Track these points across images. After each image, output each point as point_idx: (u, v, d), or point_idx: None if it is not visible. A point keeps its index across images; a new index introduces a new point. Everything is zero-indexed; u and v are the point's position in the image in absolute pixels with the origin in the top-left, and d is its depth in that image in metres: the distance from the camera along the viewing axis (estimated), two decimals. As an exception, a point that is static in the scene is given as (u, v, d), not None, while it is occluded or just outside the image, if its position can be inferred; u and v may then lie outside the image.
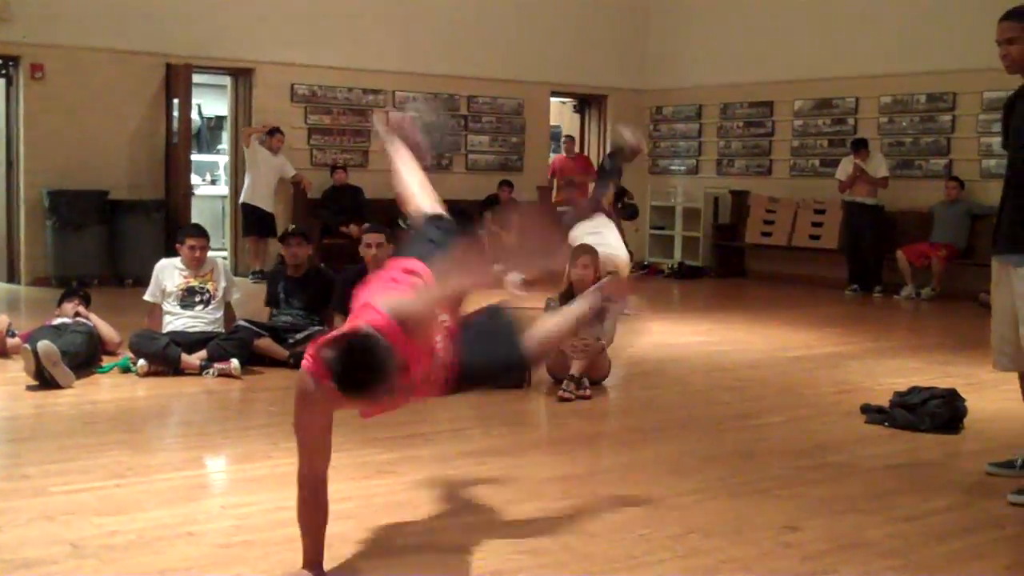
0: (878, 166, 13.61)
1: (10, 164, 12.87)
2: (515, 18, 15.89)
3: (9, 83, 12.81)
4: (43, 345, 6.80)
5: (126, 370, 7.40)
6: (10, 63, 12.71)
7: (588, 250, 7.61)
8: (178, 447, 5.77)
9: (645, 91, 17.07)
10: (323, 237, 13.63)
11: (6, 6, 12.24)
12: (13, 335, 7.78)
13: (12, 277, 12.87)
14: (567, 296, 7.33)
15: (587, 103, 17.39)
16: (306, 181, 13.83)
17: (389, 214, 13.70)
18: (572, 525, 4.42)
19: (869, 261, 13.61)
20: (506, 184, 15.13)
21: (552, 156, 16.89)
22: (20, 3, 12.37)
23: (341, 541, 4.12)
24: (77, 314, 7.89)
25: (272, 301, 8.31)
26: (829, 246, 14.42)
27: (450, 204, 15.37)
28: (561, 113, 18.04)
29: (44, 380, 6.80)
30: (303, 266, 8.22)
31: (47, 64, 12.59)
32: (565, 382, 6.88)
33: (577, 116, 17.62)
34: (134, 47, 13.01)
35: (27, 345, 6.91)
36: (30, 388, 6.79)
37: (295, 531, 4.18)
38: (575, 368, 6.91)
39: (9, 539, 4.09)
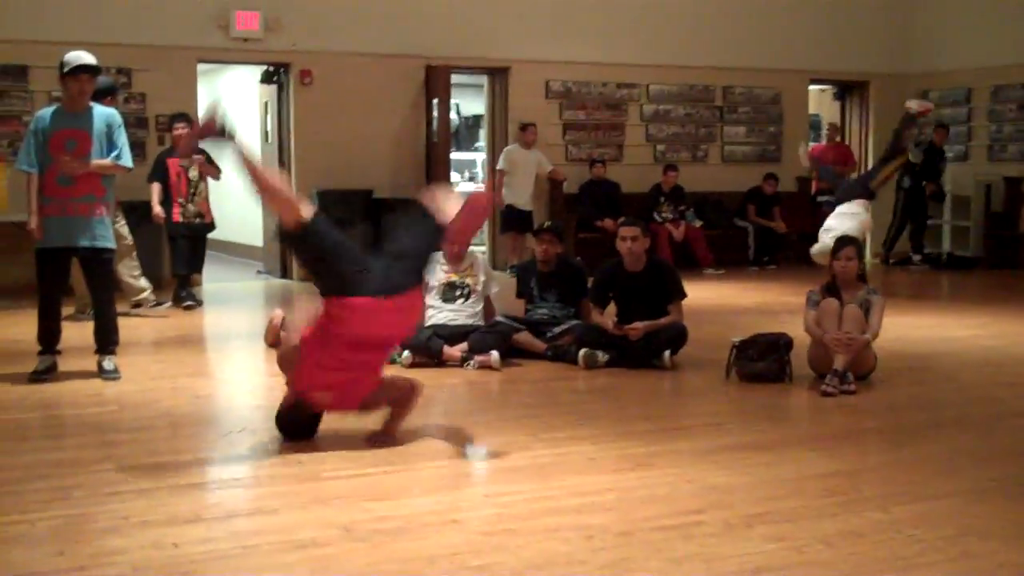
0: None
1: (282, 165, 13.53)
2: (771, 4, 15.56)
3: (280, 89, 13.48)
4: None
5: (392, 361, 7.63)
6: (281, 70, 13.36)
7: (851, 242, 7.38)
8: (441, 436, 5.91)
9: (910, 75, 16.38)
10: (579, 231, 13.72)
11: (277, 19, 12.87)
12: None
13: (285, 273, 13.52)
14: (831, 288, 7.13)
15: (848, 90, 16.85)
16: (560, 173, 13.93)
17: (644, 207, 13.71)
18: (837, 523, 4.29)
19: None
20: (771, 177, 14.86)
21: (811, 145, 16.45)
22: (290, 13, 12.98)
23: (602, 533, 4.13)
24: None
25: (525, 294, 8.40)
26: (1114, 234, 13.51)
27: (705, 196, 15.08)
28: (820, 101, 17.55)
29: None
30: (553, 260, 8.27)
31: (315, 70, 13.16)
32: (828, 376, 6.69)
33: (837, 104, 17.10)
34: (396, 50, 13.44)
35: None
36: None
37: (556, 520, 4.26)
38: (839, 363, 6.70)
39: (287, 521, 4.29)
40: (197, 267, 11.33)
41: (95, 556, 3.91)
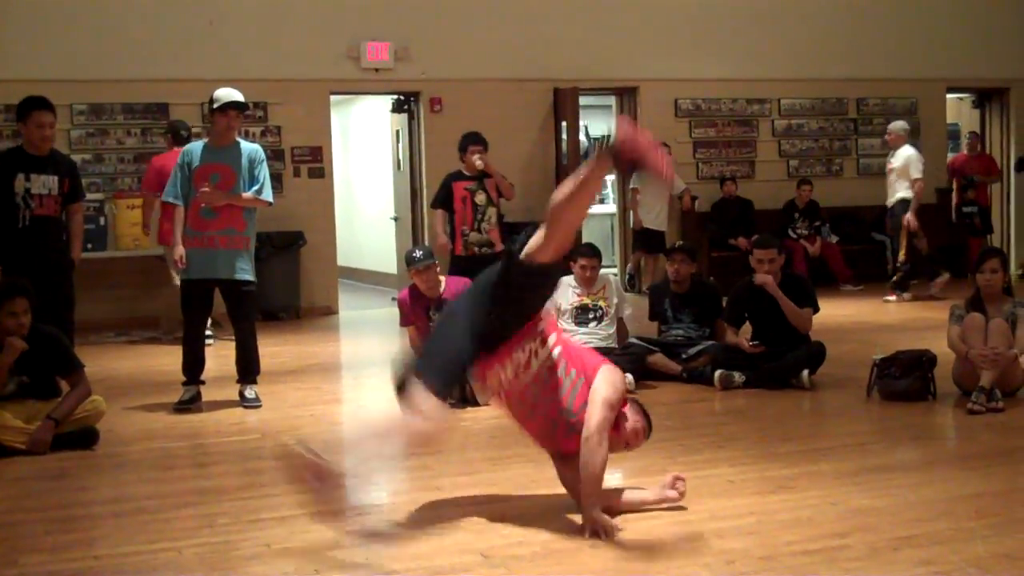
0: None
1: (414, 193, 13.71)
2: (904, 13, 15.23)
3: (411, 117, 13.66)
4: None
5: (526, 386, 7.63)
6: (411, 98, 13.54)
7: (997, 253, 7.15)
8: (578, 461, 5.89)
9: (1053, 80, 15.84)
10: (712, 250, 13.60)
11: (406, 49, 13.06)
12: None
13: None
14: (975, 302, 6.92)
15: (988, 97, 16.36)
16: (688, 199, 13.77)
17: (778, 224, 13.51)
18: (989, 546, 4.14)
19: None
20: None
21: (950, 156, 16.02)
22: (419, 43, 13.16)
23: (744, 557, 4.06)
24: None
25: (658, 316, 8.34)
26: None
27: (841, 211, 14.54)
28: (960, 110, 17.10)
29: (464, 397, 7.04)
30: (686, 281, 8.20)
31: (445, 97, 13.31)
32: (975, 394, 6.48)
33: (977, 112, 16.62)
34: (523, 75, 13.52)
35: None
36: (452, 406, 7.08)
37: (698, 545, 4.20)
38: (985, 379, 6.49)
39: (425, 547, 4.31)
40: None
41: (240, 583, 3.99)
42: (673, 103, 14.37)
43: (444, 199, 9.58)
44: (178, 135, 10.43)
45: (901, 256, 12.40)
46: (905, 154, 12.47)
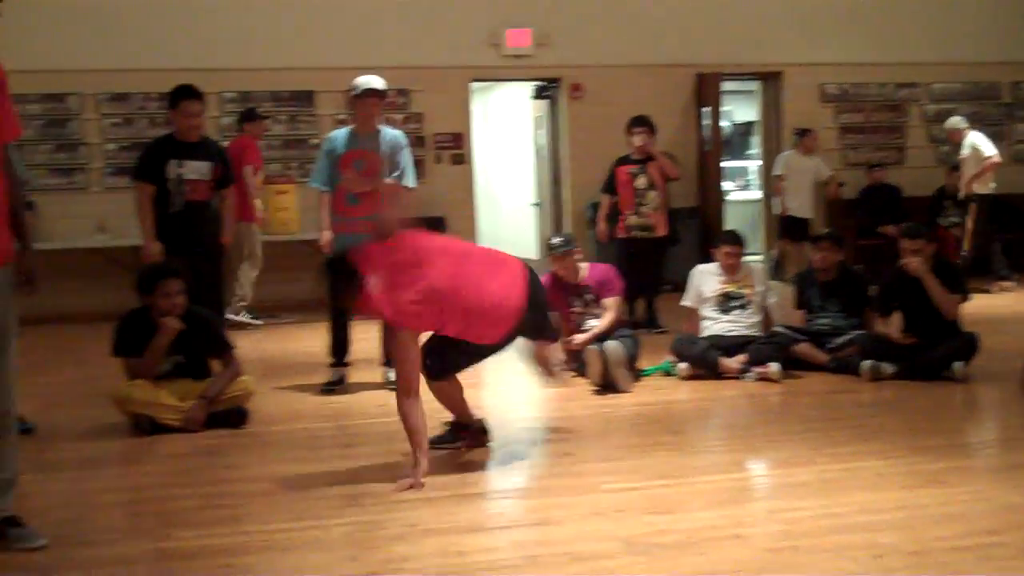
0: None
1: (556, 180, 13.71)
2: (1065, -6, 14.67)
3: (552, 103, 13.66)
4: (612, 346, 7.13)
5: (667, 373, 7.59)
6: (553, 84, 13.54)
7: None
8: (721, 449, 5.83)
9: None
10: (859, 238, 13.28)
11: (547, 35, 13.07)
12: None
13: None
14: None
15: None
16: (834, 186, 13.44)
17: (927, 213, 13.13)
18: None
19: None
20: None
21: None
22: (560, 29, 13.15)
23: (893, 552, 3.96)
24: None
25: (804, 305, 8.17)
26: None
27: (995, 198, 14.00)
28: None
29: (606, 383, 7.09)
30: (833, 270, 8.01)
31: (585, 83, 13.27)
32: None
33: None
34: (665, 60, 13.39)
35: (596, 346, 7.23)
36: (595, 392, 7.13)
37: (844, 538, 4.13)
38: None
39: (567, 533, 4.31)
40: (649, 290, 9.96)
41: (385, 562, 4.04)
42: (819, 88, 14.07)
43: (609, 183, 10.00)
44: (251, 117, 11.30)
45: (966, 246, 12.02)
46: (970, 141, 12.13)
